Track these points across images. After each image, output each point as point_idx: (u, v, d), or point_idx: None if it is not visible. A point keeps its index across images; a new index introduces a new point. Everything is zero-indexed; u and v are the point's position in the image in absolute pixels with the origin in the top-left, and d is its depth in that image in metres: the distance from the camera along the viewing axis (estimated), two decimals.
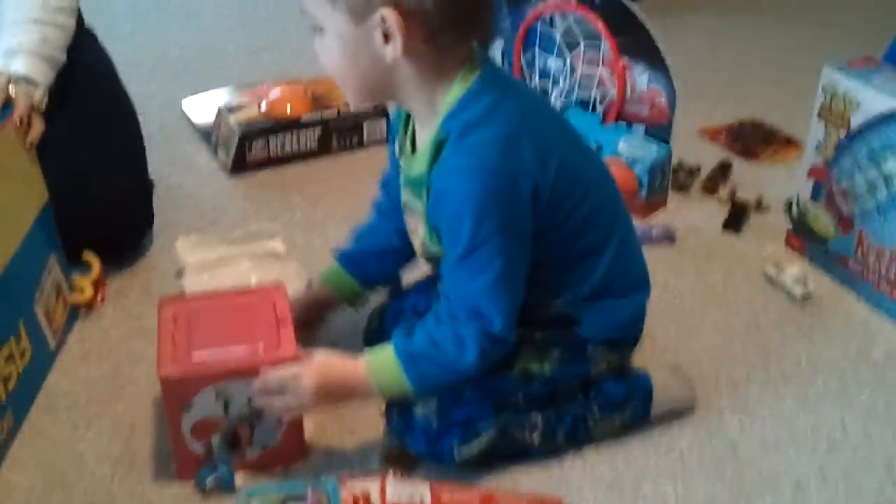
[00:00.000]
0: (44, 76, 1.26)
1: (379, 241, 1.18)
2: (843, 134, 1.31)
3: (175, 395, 1.00)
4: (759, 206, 1.57)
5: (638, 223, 1.49)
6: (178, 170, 1.69)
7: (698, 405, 1.15)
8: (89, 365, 1.23)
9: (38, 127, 1.21)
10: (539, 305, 1.03)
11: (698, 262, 1.44)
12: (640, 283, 1.08)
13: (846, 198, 1.34)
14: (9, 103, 1.17)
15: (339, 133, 1.73)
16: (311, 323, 1.19)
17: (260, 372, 0.99)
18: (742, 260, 1.45)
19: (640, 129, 1.58)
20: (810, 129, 1.37)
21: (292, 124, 1.69)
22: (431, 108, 0.95)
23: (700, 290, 1.38)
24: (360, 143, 1.75)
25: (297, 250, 1.43)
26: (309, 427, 1.09)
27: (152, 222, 1.46)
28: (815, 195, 1.40)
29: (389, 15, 0.87)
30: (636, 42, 1.53)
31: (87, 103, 1.40)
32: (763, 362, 1.24)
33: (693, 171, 1.65)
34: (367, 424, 1.11)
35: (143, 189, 1.45)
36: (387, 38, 0.88)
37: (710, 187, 1.62)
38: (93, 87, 1.43)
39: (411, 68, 0.92)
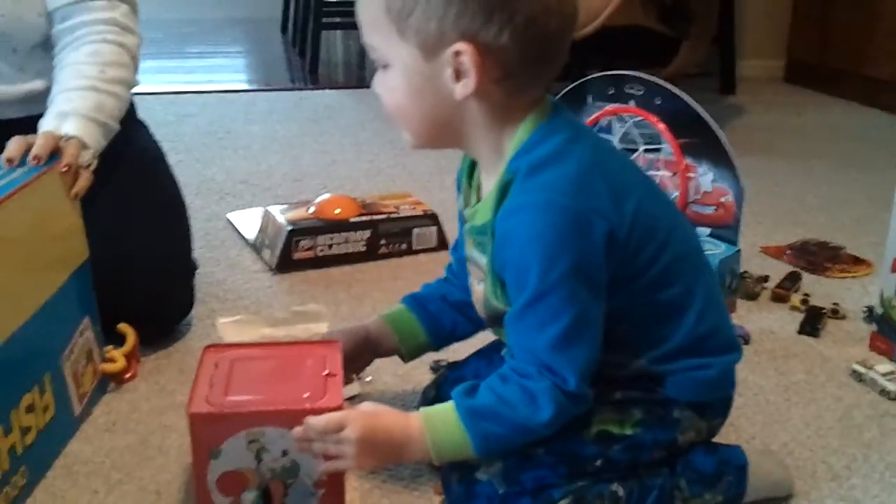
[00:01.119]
0: (95, 140, 1.23)
1: (453, 291, 1.09)
2: None
3: (203, 437, 0.89)
4: (836, 313, 1.47)
5: None
6: (221, 268, 1.63)
7: (797, 493, 1.01)
8: (115, 435, 1.12)
9: (84, 180, 1.16)
10: (619, 365, 0.93)
11: (777, 363, 1.33)
12: (728, 343, 0.97)
13: None
14: (57, 153, 1.13)
15: (387, 237, 1.68)
16: (351, 361, 1.07)
17: (301, 420, 0.88)
18: (824, 361, 1.34)
19: (705, 231, 1.51)
20: (893, 213, 1.30)
21: (341, 225, 1.65)
22: (498, 152, 0.89)
23: (783, 387, 1.26)
24: (409, 250, 1.70)
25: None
26: (351, 495, 0.96)
27: (192, 304, 1.39)
28: None
29: (466, 50, 0.82)
30: (698, 142, 1.49)
31: (136, 180, 1.37)
32: (864, 454, 1.10)
33: (762, 279, 1.56)
34: (419, 492, 0.98)
35: (186, 269, 1.40)
36: (458, 75, 0.84)
37: (781, 295, 1.53)
38: (143, 167, 1.41)
39: (479, 109, 0.87)
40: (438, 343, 1.12)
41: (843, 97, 3.14)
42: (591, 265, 0.84)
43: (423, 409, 0.92)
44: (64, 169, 1.11)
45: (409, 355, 1.11)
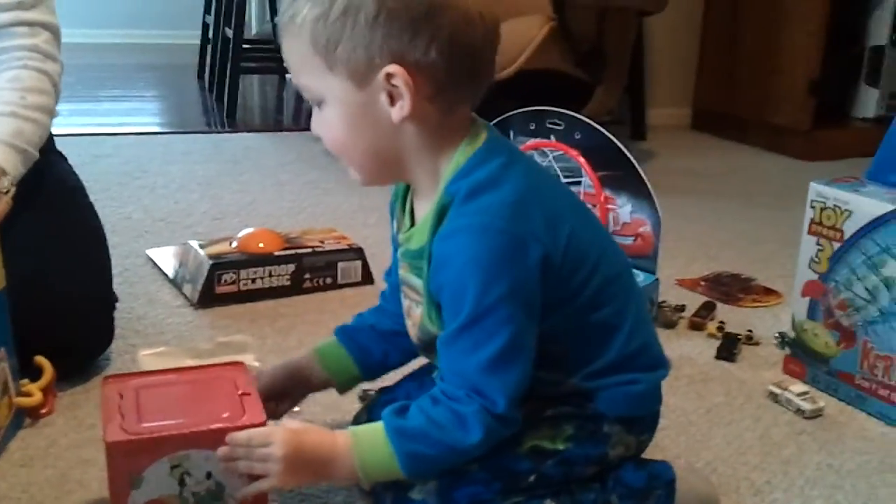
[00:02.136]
0: (13, 167, 1.21)
1: (382, 320, 1.08)
2: (836, 245, 1.30)
3: (123, 466, 0.87)
4: (750, 339, 1.52)
5: None
6: (141, 303, 1.59)
7: None
8: (32, 470, 1.08)
9: (2, 205, 1.13)
10: (551, 383, 0.94)
11: (697, 386, 1.37)
12: (656, 360, 1.00)
13: (846, 310, 1.30)
14: None
15: (312, 271, 1.67)
16: (282, 397, 1.06)
17: (224, 439, 0.87)
18: (741, 384, 1.38)
19: None
20: (800, 245, 1.36)
21: (265, 259, 1.63)
22: (434, 176, 0.90)
23: (704, 409, 1.30)
24: (334, 283, 1.69)
25: None
26: None
27: (111, 337, 1.35)
28: (811, 313, 1.36)
29: (396, 70, 0.83)
30: (617, 174, 1.54)
31: (54, 210, 1.34)
32: (783, 469, 1.14)
33: (678, 309, 1.61)
34: None
35: (105, 301, 1.36)
36: (392, 98, 0.85)
37: (697, 324, 1.58)
38: (62, 198, 1.39)
39: (417, 132, 0.88)
40: (370, 374, 1.11)
41: (748, 143, 3.28)
42: (527, 289, 0.85)
43: (351, 428, 0.91)
44: None
45: (341, 387, 1.10)
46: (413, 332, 0.98)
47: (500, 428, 0.87)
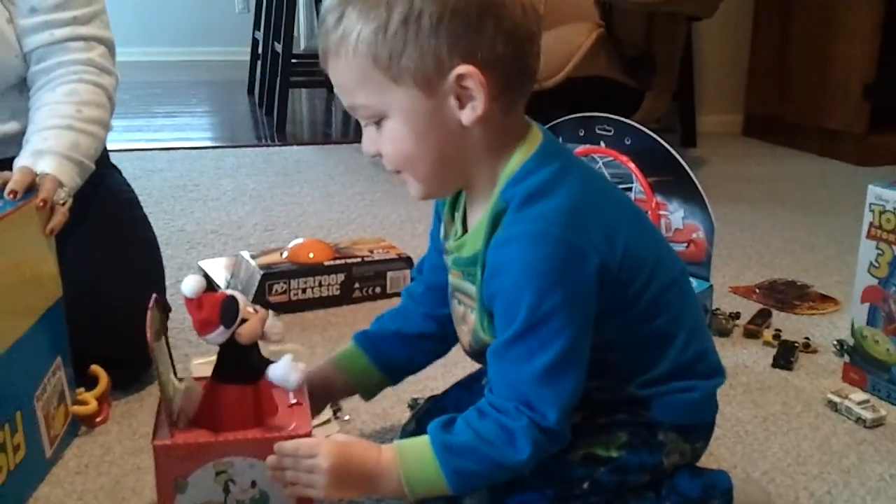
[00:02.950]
0: (70, 178, 1.23)
1: (407, 323, 1.07)
2: None
3: (169, 468, 0.88)
4: (807, 347, 1.49)
5: None
6: None
7: None
8: (87, 478, 1.09)
9: (60, 217, 1.15)
10: (607, 391, 0.93)
11: (753, 395, 1.34)
12: (713, 367, 0.97)
13: None
14: (33, 189, 1.13)
15: (361, 281, 1.67)
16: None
17: (271, 449, 0.87)
18: (799, 392, 1.35)
19: None
20: (859, 250, 1.33)
21: (315, 269, 1.64)
22: (491, 181, 0.88)
23: (761, 418, 1.27)
24: (384, 293, 1.69)
25: None
26: None
27: None
28: (871, 320, 1.32)
29: (468, 71, 0.81)
30: (668, 180, 1.52)
31: (110, 221, 1.36)
32: (844, 480, 1.11)
33: (733, 316, 1.58)
34: None
35: None
36: (461, 101, 0.83)
37: (753, 331, 1.55)
38: (117, 209, 1.41)
39: (482, 134, 0.86)
40: (395, 378, 1.10)
41: (800, 148, 3.22)
42: (582, 299, 0.84)
43: (397, 442, 0.90)
44: (40, 204, 1.10)
45: (366, 394, 1.10)
46: (466, 339, 0.97)
47: (549, 443, 0.85)
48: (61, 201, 1.18)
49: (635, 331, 0.91)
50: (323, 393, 1.07)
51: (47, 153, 1.22)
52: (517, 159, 0.87)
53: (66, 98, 1.27)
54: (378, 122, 0.86)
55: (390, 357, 1.07)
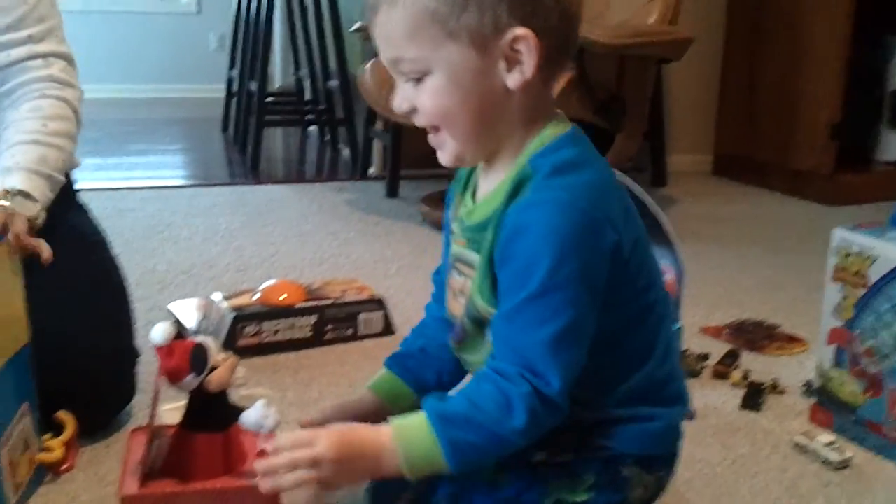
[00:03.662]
0: (41, 193, 1.23)
1: (435, 337, 1.04)
2: (861, 292, 1.28)
3: None
4: (775, 388, 1.50)
5: None
6: None
7: None
8: None
9: (45, 250, 1.15)
10: (580, 406, 0.90)
11: (722, 437, 1.35)
12: (679, 394, 0.98)
13: (872, 357, 1.29)
14: (5, 229, 1.12)
15: (333, 323, 1.67)
16: None
17: (242, 497, 0.86)
18: (767, 434, 1.36)
19: None
20: (825, 292, 1.35)
21: (287, 311, 1.64)
22: (518, 149, 0.89)
23: (730, 460, 1.28)
24: (355, 335, 1.69)
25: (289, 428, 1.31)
26: None
27: (134, 391, 1.36)
28: (837, 361, 1.34)
29: (525, 34, 0.83)
30: None
31: (78, 264, 1.35)
32: None
33: (702, 357, 1.59)
34: None
35: (128, 355, 1.37)
36: (510, 64, 0.84)
37: (722, 372, 1.56)
38: (83, 250, 1.39)
39: (521, 101, 0.87)
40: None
41: (769, 188, 3.27)
42: (596, 274, 0.84)
43: (393, 419, 0.87)
44: (13, 242, 1.10)
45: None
46: (459, 312, 0.95)
47: (546, 414, 0.84)
48: (34, 217, 1.18)
49: (622, 334, 0.91)
50: (367, 423, 1.00)
51: (15, 169, 1.22)
52: (550, 133, 0.88)
53: (31, 114, 1.28)
54: (419, 78, 0.87)
55: (420, 376, 1.04)
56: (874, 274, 1.27)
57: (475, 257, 0.90)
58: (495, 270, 0.87)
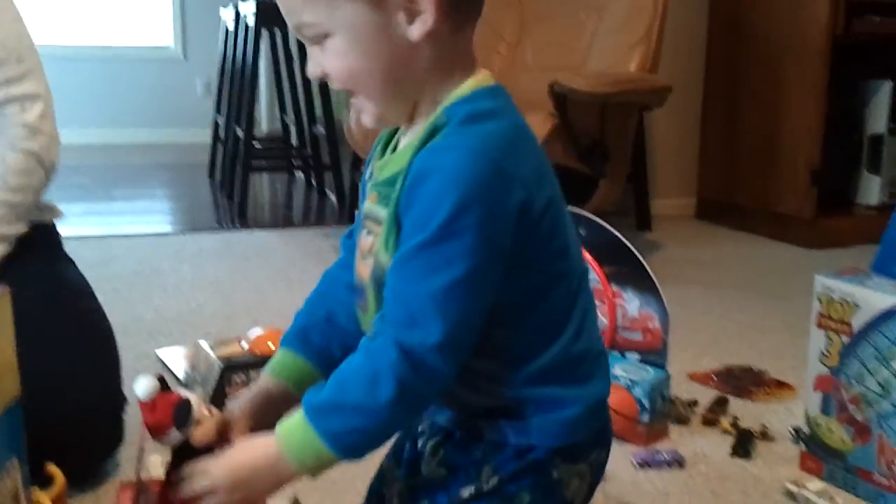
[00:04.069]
0: None
1: (341, 304, 0.95)
2: (846, 339, 1.30)
3: None
4: (765, 435, 1.51)
5: (643, 449, 1.43)
6: None
7: None
8: None
9: None
10: (494, 380, 0.86)
11: (713, 485, 1.35)
12: (595, 374, 0.90)
13: (859, 404, 1.30)
14: None
15: None
16: (260, 426, 0.93)
17: None
18: (757, 482, 1.36)
19: (635, 357, 1.56)
20: (810, 339, 1.36)
21: None
22: (435, 102, 0.86)
23: None
24: None
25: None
26: None
27: (121, 439, 1.35)
28: (825, 408, 1.35)
29: None
30: (623, 270, 1.56)
31: (65, 314, 1.36)
32: None
33: (691, 404, 1.60)
34: None
35: (114, 404, 1.36)
36: (410, 15, 0.82)
37: (711, 419, 1.57)
38: (71, 302, 1.40)
39: (431, 51, 0.83)
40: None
41: (752, 231, 3.30)
42: (499, 228, 0.79)
43: (279, 423, 0.82)
44: None
45: None
46: (366, 273, 0.89)
47: (421, 379, 0.78)
48: None
49: (531, 304, 0.86)
50: (274, 409, 0.93)
51: None
52: (468, 85, 0.85)
53: None
54: (323, 40, 0.84)
55: (325, 351, 0.95)
56: (857, 321, 1.28)
57: (384, 212, 0.85)
58: (400, 220, 0.83)
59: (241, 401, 0.95)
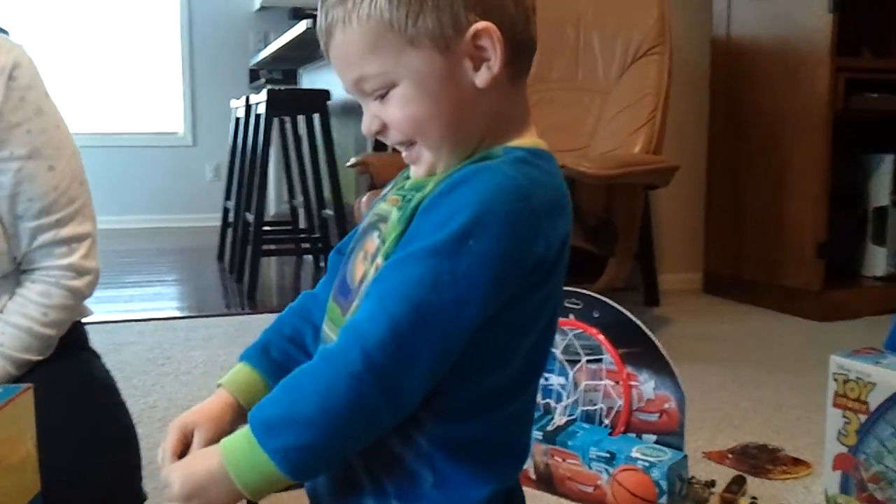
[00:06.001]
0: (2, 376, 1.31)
1: (305, 321, 0.94)
2: (863, 417, 1.30)
3: None
4: None
5: None
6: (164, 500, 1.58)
7: None
8: None
9: None
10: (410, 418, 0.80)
11: None
12: (515, 457, 0.86)
13: (879, 483, 1.29)
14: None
15: None
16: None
17: None
18: None
19: (651, 438, 1.55)
20: (827, 418, 1.36)
21: None
22: (484, 148, 0.84)
23: None
24: None
25: None
26: None
27: None
28: (844, 488, 1.35)
29: (486, 27, 0.79)
30: (638, 351, 1.56)
31: (88, 409, 1.37)
32: None
33: (708, 484, 1.59)
34: None
35: (135, 499, 1.36)
36: (476, 63, 0.81)
37: (729, 500, 1.56)
38: (95, 396, 1.41)
39: (493, 101, 0.83)
40: None
41: (760, 305, 3.31)
42: (512, 269, 0.77)
43: (224, 439, 0.78)
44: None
45: None
46: (359, 275, 0.85)
47: (381, 397, 0.73)
48: None
49: (488, 368, 0.81)
50: (217, 427, 0.89)
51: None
52: (527, 140, 0.85)
53: (39, 298, 1.35)
54: (385, 93, 0.83)
55: (284, 369, 0.87)
56: (874, 400, 1.29)
57: (396, 214, 0.83)
58: (412, 218, 0.80)
59: (200, 415, 0.90)
